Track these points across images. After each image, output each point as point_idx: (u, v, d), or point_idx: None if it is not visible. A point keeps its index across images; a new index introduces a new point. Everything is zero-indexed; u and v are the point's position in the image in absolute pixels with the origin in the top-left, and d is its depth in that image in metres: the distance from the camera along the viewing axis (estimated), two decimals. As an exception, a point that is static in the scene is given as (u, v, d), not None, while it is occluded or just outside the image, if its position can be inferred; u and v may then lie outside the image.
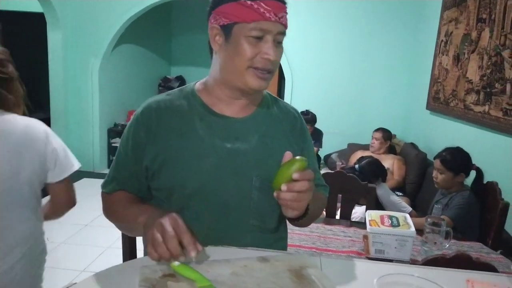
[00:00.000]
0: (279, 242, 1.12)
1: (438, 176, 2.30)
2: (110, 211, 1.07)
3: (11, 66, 1.32)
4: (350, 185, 2.24)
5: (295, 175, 0.84)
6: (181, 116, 1.02)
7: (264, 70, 0.96)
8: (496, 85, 2.45)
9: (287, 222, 1.13)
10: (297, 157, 0.88)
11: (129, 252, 1.31)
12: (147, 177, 1.02)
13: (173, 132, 1.00)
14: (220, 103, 1.03)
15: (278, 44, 0.97)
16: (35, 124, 1.25)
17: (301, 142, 1.12)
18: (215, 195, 0.99)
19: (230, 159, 0.99)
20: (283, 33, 0.96)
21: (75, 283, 0.80)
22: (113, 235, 3.17)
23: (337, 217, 2.28)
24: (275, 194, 0.86)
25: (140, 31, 5.49)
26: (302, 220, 0.99)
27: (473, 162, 2.30)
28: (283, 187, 0.84)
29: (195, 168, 0.98)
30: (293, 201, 0.86)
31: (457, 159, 2.29)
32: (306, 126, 1.17)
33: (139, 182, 1.03)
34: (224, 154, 0.99)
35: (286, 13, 0.96)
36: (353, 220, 2.29)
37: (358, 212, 2.39)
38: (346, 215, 2.25)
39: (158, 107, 1.02)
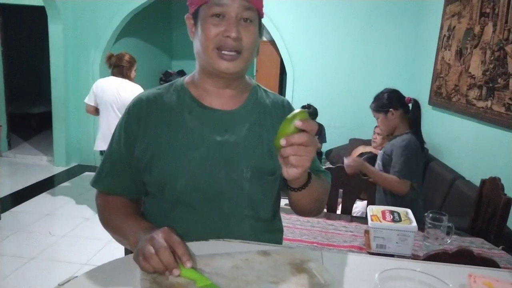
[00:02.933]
0: (274, 233, 1.11)
1: (378, 127, 2.30)
2: (104, 217, 1.04)
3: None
4: (350, 180, 2.23)
5: (297, 123, 0.78)
6: (171, 109, 1.01)
7: (228, 50, 0.93)
8: (499, 80, 2.44)
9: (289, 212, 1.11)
10: (298, 110, 0.84)
11: (130, 245, 1.30)
12: (140, 171, 1.01)
13: (163, 125, 1.00)
14: (208, 96, 1.03)
15: (245, 21, 0.94)
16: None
17: None
18: (207, 186, 0.98)
19: (220, 150, 0.99)
20: (249, 9, 0.94)
21: (76, 276, 0.80)
22: (115, 229, 3.18)
23: (338, 212, 2.28)
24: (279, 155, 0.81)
25: (141, 25, 5.48)
26: (304, 190, 0.94)
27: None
28: (282, 141, 0.79)
29: (185, 159, 0.97)
30: (294, 155, 0.79)
31: (381, 97, 2.27)
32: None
33: (133, 177, 1.03)
34: (213, 147, 0.99)
35: None
36: (354, 215, 2.29)
37: (359, 207, 2.39)
38: (347, 210, 2.25)
39: (148, 100, 1.02)
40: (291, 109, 1.13)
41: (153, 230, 0.83)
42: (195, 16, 0.97)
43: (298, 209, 1.08)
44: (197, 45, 0.98)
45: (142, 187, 1.04)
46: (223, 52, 0.94)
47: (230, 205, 1.01)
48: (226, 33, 0.92)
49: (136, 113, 1.01)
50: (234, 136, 1.00)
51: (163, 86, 1.08)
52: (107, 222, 1.04)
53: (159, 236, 0.79)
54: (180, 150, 0.98)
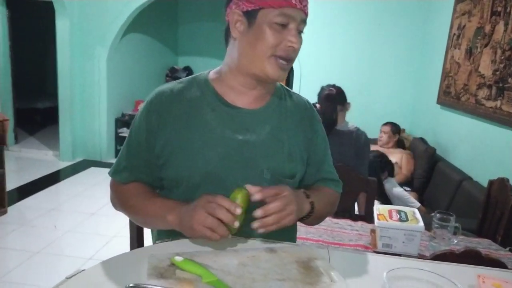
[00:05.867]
0: (286, 233, 1.10)
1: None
2: (125, 204, 1.04)
3: None
4: (349, 177, 2.21)
5: (258, 213, 0.84)
6: (192, 104, 1.00)
7: (286, 59, 0.94)
8: (509, 80, 2.41)
9: None
10: (236, 190, 0.87)
11: (136, 240, 1.31)
12: (158, 167, 1.01)
13: (182, 121, 0.99)
14: (232, 93, 1.02)
15: (299, 33, 0.96)
16: None
17: (310, 132, 1.10)
18: (222, 186, 0.97)
19: (239, 150, 0.98)
20: (304, 22, 0.95)
21: (84, 270, 0.80)
22: (119, 224, 3.19)
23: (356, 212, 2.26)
24: (254, 225, 0.85)
25: (147, 21, 5.48)
26: (308, 219, 0.99)
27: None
28: (257, 212, 0.84)
29: (202, 157, 0.97)
30: (278, 222, 0.86)
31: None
32: (317, 117, 1.15)
33: (152, 171, 1.02)
34: (233, 145, 0.98)
35: (308, 2, 0.96)
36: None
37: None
38: (346, 208, 2.22)
39: (169, 94, 1.01)
40: (313, 111, 1.13)
41: (185, 204, 0.89)
42: (249, 15, 0.93)
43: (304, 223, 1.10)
44: (246, 46, 0.95)
45: (158, 181, 1.04)
46: (280, 61, 0.94)
47: None
48: (290, 43, 0.93)
49: (157, 106, 1.00)
50: (254, 136, 1.00)
51: (185, 79, 1.06)
52: (128, 209, 1.04)
53: (203, 200, 0.85)
54: (199, 148, 0.97)
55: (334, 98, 2.39)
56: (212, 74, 1.06)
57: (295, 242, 1.14)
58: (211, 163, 0.96)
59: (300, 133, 1.07)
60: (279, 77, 0.96)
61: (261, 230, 0.85)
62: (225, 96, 1.01)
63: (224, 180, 0.97)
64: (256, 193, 0.86)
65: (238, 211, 0.82)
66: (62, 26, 4.63)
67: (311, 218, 1.00)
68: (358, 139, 2.36)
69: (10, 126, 4.88)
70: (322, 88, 2.50)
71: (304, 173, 1.10)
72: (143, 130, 1.01)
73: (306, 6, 0.94)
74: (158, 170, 1.01)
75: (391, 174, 2.87)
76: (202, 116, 0.99)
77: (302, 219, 0.99)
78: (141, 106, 1.05)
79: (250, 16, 0.93)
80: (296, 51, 0.95)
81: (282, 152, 1.01)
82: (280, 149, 1.01)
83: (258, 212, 0.84)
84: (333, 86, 2.46)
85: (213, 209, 0.82)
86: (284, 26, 0.92)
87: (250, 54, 0.95)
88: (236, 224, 0.83)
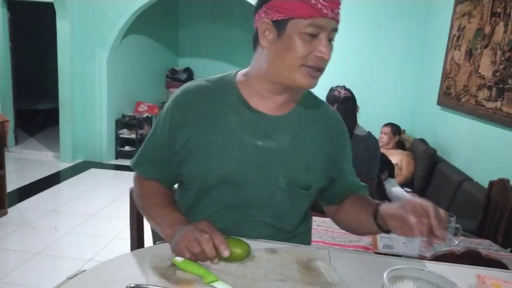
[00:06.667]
0: (292, 238, 1.08)
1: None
2: (140, 199, 1.07)
3: None
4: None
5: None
6: (216, 105, 0.99)
7: (316, 69, 0.92)
8: (509, 81, 2.41)
9: None
10: (236, 243, 0.86)
11: (136, 241, 1.31)
12: (177, 163, 1.01)
13: (205, 120, 0.98)
14: (257, 97, 1.00)
15: (330, 41, 0.93)
16: None
17: (337, 145, 1.07)
18: (237, 189, 0.97)
19: (256, 156, 0.97)
20: (336, 30, 0.93)
21: (84, 270, 0.80)
22: (119, 225, 3.19)
23: None
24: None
25: (147, 22, 5.48)
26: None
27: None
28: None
29: (219, 160, 0.96)
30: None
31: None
32: (345, 128, 1.11)
33: (170, 168, 1.03)
34: (251, 150, 0.97)
35: (340, 8, 0.92)
36: None
37: None
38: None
39: (196, 91, 1.01)
40: (340, 123, 1.10)
41: (187, 223, 0.89)
42: (278, 24, 0.91)
43: (348, 230, 1.13)
44: (275, 55, 0.93)
45: (178, 177, 1.05)
46: (310, 70, 0.92)
47: (254, 212, 1.00)
48: (319, 53, 0.90)
49: (182, 103, 1.00)
50: (274, 143, 0.98)
51: (213, 78, 1.05)
52: (142, 208, 1.06)
53: (201, 227, 0.84)
54: (217, 150, 0.96)
55: (353, 101, 2.37)
56: (240, 76, 1.04)
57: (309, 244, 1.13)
58: (227, 166, 0.96)
59: (324, 145, 1.04)
60: (310, 85, 0.94)
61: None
62: (249, 99, 1.00)
63: (239, 185, 0.97)
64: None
65: (226, 253, 0.81)
66: (63, 28, 4.64)
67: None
68: (371, 143, 2.36)
69: (10, 127, 4.88)
70: (332, 89, 2.47)
71: (332, 187, 1.09)
72: (166, 126, 1.00)
73: (338, 14, 0.91)
74: (178, 166, 1.01)
75: (391, 175, 2.87)
76: (224, 118, 0.98)
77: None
78: (168, 101, 1.05)
79: (279, 25, 0.91)
80: (326, 61, 0.93)
81: (300, 162, 0.99)
82: (298, 159, 0.99)
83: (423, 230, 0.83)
84: (344, 87, 2.43)
85: (203, 239, 0.81)
86: (314, 36, 0.90)
87: (280, 63, 0.93)
88: (215, 261, 0.82)
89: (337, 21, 0.92)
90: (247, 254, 0.86)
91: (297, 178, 0.99)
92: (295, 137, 1.00)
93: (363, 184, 1.16)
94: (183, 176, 1.02)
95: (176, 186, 1.12)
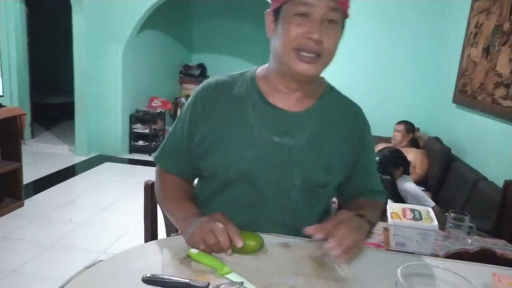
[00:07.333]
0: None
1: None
2: (160, 194, 1.08)
3: None
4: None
5: (331, 245, 0.80)
6: (236, 100, 1.00)
7: (307, 52, 0.89)
8: (528, 79, 2.37)
9: None
10: (251, 236, 0.86)
11: (150, 233, 1.33)
12: (196, 156, 1.02)
13: (225, 116, 0.99)
14: (276, 93, 1.00)
15: (330, 23, 0.89)
16: None
17: (359, 145, 1.04)
18: (254, 186, 0.97)
19: (274, 152, 0.96)
20: (335, 10, 0.88)
21: (101, 260, 0.82)
22: (133, 219, 3.23)
23: None
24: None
25: (162, 18, 5.51)
26: (371, 232, 0.98)
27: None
28: (330, 245, 0.80)
29: (237, 155, 0.97)
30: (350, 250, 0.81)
31: None
32: (369, 127, 1.09)
33: (190, 161, 1.04)
34: (268, 147, 0.96)
35: None
36: None
37: None
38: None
39: (216, 87, 1.02)
40: (365, 121, 1.08)
41: (202, 217, 0.90)
42: (276, 13, 0.92)
43: None
44: (275, 43, 0.94)
45: (197, 170, 1.06)
46: (302, 53, 0.89)
47: (272, 210, 0.99)
48: (308, 34, 0.87)
49: (203, 97, 1.01)
50: (293, 140, 0.97)
51: (235, 74, 1.05)
52: (161, 200, 1.08)
53: (216, 218, 0.85)
54: (235, 145, 0.97)
55: None
56: (259, 71, 1.04)
57: None
58: (245, 162, 0.96)
59: (346, 144, 1.02)
60: (306, 71, 0.91)
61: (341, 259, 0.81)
62: (269, 95, 1.00)
63: (256, 181, 0.97)
64: (316, 234, 0.82)
65: (240, 244, 0.82)
66: (79, 23, 4.69)
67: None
68: None
69: (27, 120, 4.98)
70: None
71: (346, 183, 1.07)
72: (187, 119, 1.02)
73: None
74: (197, 159, 1.02)
75: (407, 172, 2.83)
76: (244, 114, 0.98)
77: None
78: (190, 96, 1.07)
79: (277, 12, 0.92)
80: (319, 42, 0.88)
81: (318, 162, 0.98)
82: (317, 157, 0.98)
83: (330, 244, 0.79)
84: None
85: (218, 229, 0.82)
86: (305, 16, 0.87)
87: (278, 50, 0.93)
88: (229, 252, 0.83)
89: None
90: (260, 247, 0.86)
91: (313, 177, 0.98)
92: (315, 135, 0.99)
93: (381, 189, 1.13)
94: (203, 170, 1.03)
95: (195, 181, 1.13)
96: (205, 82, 1.05)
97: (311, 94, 1.01)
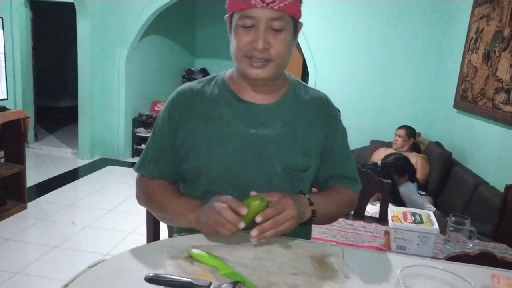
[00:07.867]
0: (300, 233, 1.09)
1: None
2: (150, 199, 1.08)
3: None
4: (363, 180, 2.19)
5: (258, 219, 0.85)
6: (211, 102, 1.06)
7: (257, 58, 0.96)
8: (528, 84, 2.38)
9: None
10: (255, 197, 0.89)
11: (153, 233, 1.35)
12: (179, 159, 1.06)
13: (202, 117, 1.04)
14: (245, 90, 1.06)
15: (275, 31, 0.94)
16: None
17: (327, 127, 1.10)
18: (239, 179, 1.01)
19: (253, 144, 1.02)
20: (278, 19, 0.93)
21: (105, 259, 0.83)
22: (135, 221, 3.25)
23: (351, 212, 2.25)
24: (252, 233, 0.85)
25: (165, 23, 5.56)
26: (310, 222, 0.99)
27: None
28: (258, 218, 0.85)
29: (219, 152, 1.01)
30: (275, 228, 0.86)
31: None
32: (335, 112, 1.14)
33: (174, 163, 1.07)
34: (247, 139, 1.02)
35: None
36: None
37: (369, 212, 2.32)
38: (359, 211, 2.21)
39: (190, 91, 1.08)
40: (330, 106, 1.13)
41: (204, 205, 0.93)
42: (229, 21, 1.00)
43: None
44: (231, 47, 1.00)
45: (182, 174, 1.09)
46: (252, 59, 0.96)
47: None
48: (253, 44, 0.94)
49: (179, 102, 1.06)
50: (268, 130, 1.03)
51: (205, 79, 1.12)
52: (153, 206, 1.08)
53: (216, 200, 0.89)
54: (216, 142, 1.02)
55: None
56: (228, 73, 1.11)
57: (309, 237, 1.16)
58: (227, 156, 1.01)
59: (316, 128, 1.08)
60: (257, 75, 0.98)
61: (254, 240, 0.85)
62: (240, 93, 1.06)
63: (239, 174, 1.01)
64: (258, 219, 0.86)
65: (243, 211, 0.84)
66: (83, 27, 4.74)
67: (317, 221, 1.01)
68: None
69: (31, 123, 5.01)
70: None
71: (319, 168, 1.11)
72: (166, 124, 1.06)
73: (274, 2, 0.91)
74: (180, 162, 1.06)
75: (412, 179, 2.80)
76: (219, 112, 1.04)
77: (303, 224, 0.98)
78: (164, 105, 1.11)
79: (230, 21, 1.00)
80: (264, 50, 0.94)
81: (294, 146, 1.04)
82: (293, 143, 1.04)
83: (258, 218, 0.85)
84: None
85: (222, 208, 0.85)
86: (252, 26, 0.94)
87: (232, 56, 1.00)
88: (241, 224, 0.85)
89: (276, 9, 0.92)
90: (266, 204, 0.88)
91: (293, 162, 1.03)
92: (288, 122, 1.05)
93: (354, 176, 1.15)
94: (186, 172, 1.06)
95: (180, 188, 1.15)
96: (179, 88, 1.10)
97: (277, 89, 1.07)
